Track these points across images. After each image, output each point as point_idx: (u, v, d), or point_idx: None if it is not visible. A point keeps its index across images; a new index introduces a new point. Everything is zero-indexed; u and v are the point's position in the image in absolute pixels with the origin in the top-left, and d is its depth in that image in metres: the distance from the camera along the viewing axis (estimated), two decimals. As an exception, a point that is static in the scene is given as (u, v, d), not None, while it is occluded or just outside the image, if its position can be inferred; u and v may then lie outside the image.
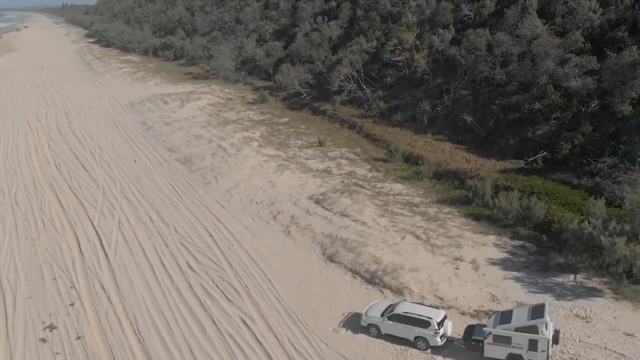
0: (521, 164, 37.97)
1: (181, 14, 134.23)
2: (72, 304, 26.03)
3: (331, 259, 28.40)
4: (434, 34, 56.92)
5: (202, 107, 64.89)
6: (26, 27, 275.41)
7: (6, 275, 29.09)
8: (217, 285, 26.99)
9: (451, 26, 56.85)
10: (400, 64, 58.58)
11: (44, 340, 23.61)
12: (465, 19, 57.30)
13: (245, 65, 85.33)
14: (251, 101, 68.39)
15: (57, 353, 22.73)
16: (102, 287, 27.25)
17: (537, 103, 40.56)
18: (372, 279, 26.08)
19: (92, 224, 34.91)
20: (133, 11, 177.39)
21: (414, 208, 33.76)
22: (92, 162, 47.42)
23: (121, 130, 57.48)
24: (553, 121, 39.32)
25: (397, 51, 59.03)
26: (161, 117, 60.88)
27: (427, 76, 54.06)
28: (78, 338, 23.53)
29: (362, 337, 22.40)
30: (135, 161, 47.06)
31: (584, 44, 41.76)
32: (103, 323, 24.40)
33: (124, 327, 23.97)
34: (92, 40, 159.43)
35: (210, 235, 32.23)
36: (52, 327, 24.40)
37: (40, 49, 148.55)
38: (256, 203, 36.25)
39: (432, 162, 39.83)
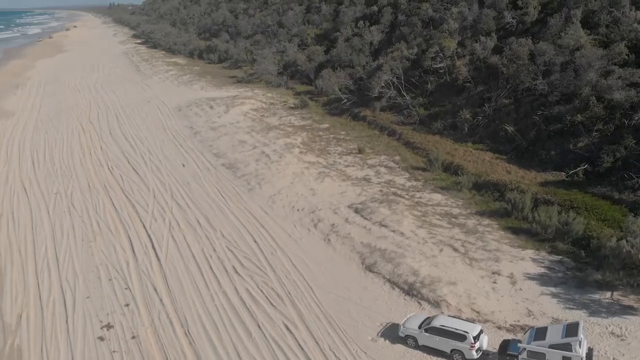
0: (562, 176, 37.99)
1: (225, 17, 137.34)
2: (127, 305, 27.92)
3: (370, 268, 29.44)
4: (476, 41, 57.04)
5: (245, 112, 66.79)
6: (75, 26, 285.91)
7: (65, 276, 31.29)
8: (261, 290, 28.43)
9: (493, 34, 56.84)
10: (441, 70, 58.89)
11: (101, 338, 25.49)
12: (508, 26, 57.23)
13: (287, 69, 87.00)
14: (292, 106, 69.94)
15: (114, 351, 24.53)
16: (155, 289, 29.10)
17: (579, 115, 40.46)
18: (410, 291, 27.00)
19: (144, 226, 36.98)
20: (178, 12, 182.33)
21: (453, 219, 34.41)
22: (143, 166, 49.79)
23: (170, 135, 59.91)
24: (595, 133, 39.14)
25: (438, 58, 59.41)
26: (207, 122, 63.08)
27: (468, 84, 54.28)
28: (133, 337, 25.34)
29: (400, 348, 23.39)
30: (183, 165, 49.16)
31: (628, 56, 41.37)
32: (156, 324, 26.16)
33: (176, 328, 25.67)
34: (139, 41, 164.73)
35: (255, 241, 33.77)
36: (109, 326, 26.30)
37: (90, 50, 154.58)
38: (297, 210, 37.63)
39: (472, 172, 40.26)
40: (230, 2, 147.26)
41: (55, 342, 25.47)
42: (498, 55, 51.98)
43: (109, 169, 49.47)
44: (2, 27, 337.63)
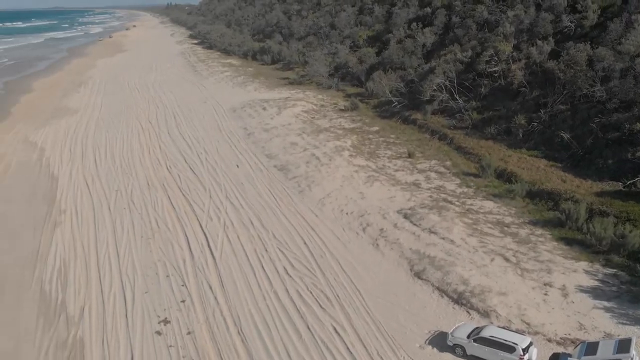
0: (619, 186, 36.83)
1: (279, 18, 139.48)
2: (183, 301, 29.26)
3: (418, 275, 29.68)
4: (532, 45, 55.89)
5: (297, 114, 67.90)
6: (134, 26, 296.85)
7: (125, 271, 33.00)
8: (311, 292, 29.18)
9: (550, 38, 55.49)
10: (496, 74, 57.89)
11: (159, 333, 26.87)
12: (566, 30, 55.75)
13: (338, 71, 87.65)
14: (343, 108, 70.51)
15: (170, 346, 25.80)
16: (210, 286, 30.35)
17: (638, 123, 39.14)
18: (459, 300, 27.10)
19: (200, 225, 38.48)
20: (233, 13, 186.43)
21: (505, 228, 34.12)
22: (199, 165, 51.61)
23: (225, 135, 61.72)
24: (656, 143, 37.90)
25: (493, 62, 58.47)
26: (260, 123, 64.57)
27: (524, 88, 53.25)
28: (189, 333, 26.59)
29: (448, 356, 23.58)
30: (237, 166, 50.64)
31: (695, 63, 39.74)
32: (210, 321, 27.34)
33: (229, 326, 26.76)
34: (195, 41, 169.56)
35: (305, 243, 34.59)
36: (166, 321, 27.67)
37: (148, 50, 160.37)
38: (347, 214, 38.22)
39: (525, 180, 39.62)
40: (284, 4, 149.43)
41: (115, 335, 26.95)
42: (555, 60, 50.76)
43: (167, 168, 51.53)
44: (66, 25, 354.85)
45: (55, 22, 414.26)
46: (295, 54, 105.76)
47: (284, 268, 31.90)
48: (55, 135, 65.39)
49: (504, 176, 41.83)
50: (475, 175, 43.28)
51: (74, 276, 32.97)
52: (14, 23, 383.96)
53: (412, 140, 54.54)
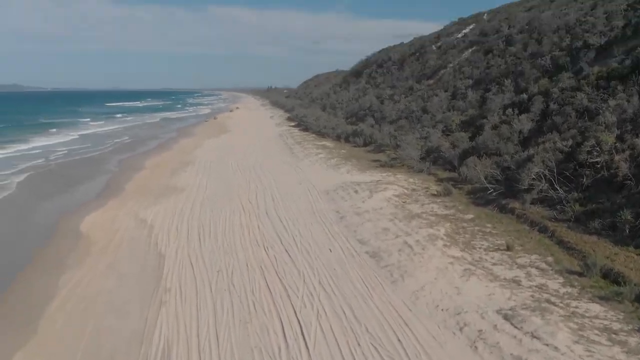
0: None
1: (371, 102, 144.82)
2: (278, 391, 29.81)
3: (521, 384, 28.28)
4: (637, 136, 53.82)
5: (388, 197, 68.84)
6: (237, 108, 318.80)
7: (224, 355, 34.23)
8: (404, 394, 28.64)
9: (659, 128, 53.34)
10: (598, 165, 55.97)
11: (255, 421, 27.43)
12: (677, 120, 53.33)
13: (430, 155, 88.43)
14: (435, 193, 70.47)
15: None
16: (303, 378, 30.75)
17: None
18: (566, 417, 25.42)
19: (295, 311, 39.34)
20: (329, 97, 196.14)
21: (613, 336, 31.81)
22: (294, 247, 53.35)
23: (318, 217, 63.68)
24: None
25: (595, 152, 56.71)
26: (352, 207, 66.09)
27: (629, 181, 50.74)
28: None
29: None
30: (330, 250, 51.80)
31: None
32: (304, 415, 27.54)
33: (322, 423, 26.79)
34: (292, 123, 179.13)
35: (399, 340, 34.18)
36: (261, 410, 28.22)
37: (250, 131, 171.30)
38: (442, 310, 37.50)
39: (634, 282, 37.10)
40: (377, 89, 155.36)
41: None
42: (665, 153, 48.48)
43: (264, 249, 53.73)
44: (179, 106, 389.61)
45: (169, 102, 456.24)
46: (386, 137, 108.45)
47: (377, 364, 31.65)
48: (164, 213, 70.64)
49: (611, 276, 39.29)
50: (580, 274, 41.04)
51: (175, 357, 34.64)
52: (134, 102, 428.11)
53: (509, 231, 53.11)
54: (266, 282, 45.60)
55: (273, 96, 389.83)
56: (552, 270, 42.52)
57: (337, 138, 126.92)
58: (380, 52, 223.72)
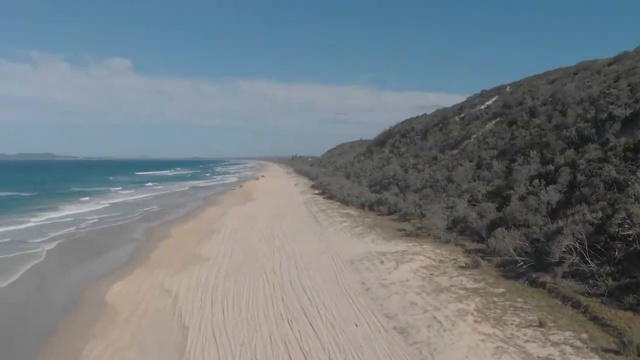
0: None
1: (395, 171, 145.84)
2: None
3: None
4: (671, 209, 52.77)
5: (415, 269, 67.76)
6: (263, 176, 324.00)
7: None
8: None
9: (692, 201, 52.25)
10: (630, 238, 54.64)
11: None
12: None
13: (457, 225, 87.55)
14: (463, 265, 69.13)
15: None
16: None
17: None
18: None
19: (319, 390, 38.23)
20: (352, 166, 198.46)
21: None
22: (319, 321, 52.31)
23: (343, 289, 62.76)
24: None
25: (626, 225, 55.54)
26: (378, 278, 65.12)
27: (665, 255, 49.42)
28: None
29: None
30: (356, 325, 50.65)
31: None
32: None
33: None
34: (317, 191, 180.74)
35: (429, 423, 32.76)
36: None
37: (275, 199, 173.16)
38: (474, 390, 35.98)
39: (678, 363, 35.35)
40: (401, 158, 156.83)
41: None
42: (701, 226, 47.21)
43: (288, 323, 52.84)
44: (208, 174, 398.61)
45: (197, 171, 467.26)
46: (411, 206, 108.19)
47: None
48: (189, 283, 70.60)
49: (651, 355, 37.55)
50: (616, 352, 39.11)
51: None
52: (163, 171, 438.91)
53: (541, 306, 51.39)
54: (290, 358, 44.56)
55: (298, 164, 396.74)
56: (587, 348, 40.70)
57: (362, 206, 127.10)
58: (403, 122, 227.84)
